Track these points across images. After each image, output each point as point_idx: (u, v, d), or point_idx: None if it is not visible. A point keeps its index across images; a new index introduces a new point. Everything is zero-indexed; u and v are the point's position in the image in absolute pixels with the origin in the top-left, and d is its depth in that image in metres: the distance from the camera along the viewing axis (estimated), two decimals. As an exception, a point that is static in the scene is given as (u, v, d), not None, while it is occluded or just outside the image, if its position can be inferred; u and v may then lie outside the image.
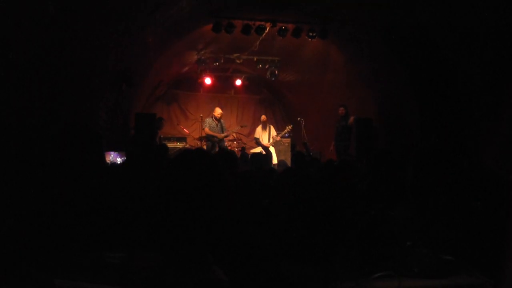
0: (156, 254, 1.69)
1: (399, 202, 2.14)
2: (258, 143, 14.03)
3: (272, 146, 13.96)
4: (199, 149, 2.16)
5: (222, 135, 13.27)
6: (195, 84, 15.97)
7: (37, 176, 3.66)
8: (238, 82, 16.13)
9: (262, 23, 11.48)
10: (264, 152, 13.02)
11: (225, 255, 1.90)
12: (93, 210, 2.50)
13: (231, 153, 5.83)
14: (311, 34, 11.76)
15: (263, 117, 14.37)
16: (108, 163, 6.21)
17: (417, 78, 10.73)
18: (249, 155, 9.41)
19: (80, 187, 2.60)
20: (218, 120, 13.31)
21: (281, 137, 14.27)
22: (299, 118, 14.36)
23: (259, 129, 14.19)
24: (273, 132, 14.18)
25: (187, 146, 14.02)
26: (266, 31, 11.68)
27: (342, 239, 2.27)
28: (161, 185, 2.13)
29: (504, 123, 8.14)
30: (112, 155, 6.50)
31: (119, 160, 6.53)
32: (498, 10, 7.67)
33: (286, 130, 14.15)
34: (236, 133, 15.17)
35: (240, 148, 13.88)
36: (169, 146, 13.56)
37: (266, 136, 14.05)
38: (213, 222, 2.00)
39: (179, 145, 13.95)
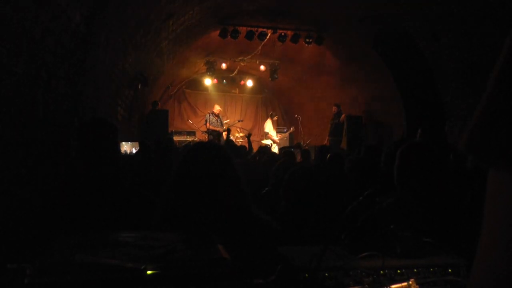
0: (167, 234, 1.71)
1: (385, 190, 2.15)
2: (267, 137, 14.19)
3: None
4: (212, 142, 2.18)
5: (221, 129, 13.41)
6: (203, 83, 15.99)
7: (62, 163, 3.69)
8: (242, 82, 16.16)
9: (264, 29, 11.56)
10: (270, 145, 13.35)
11: (226, 234, 1.91)
12: (108, 194, 2.52)
13: (238, 146, 5.83)
14: (308, 40, 11.82)
15: (276, 117, 14.66)
16: (123, 152, 6.22)
17: (403, 80, 10.75)
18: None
19: (97, 172, 2.61)
20: (218, 116, 13.41)
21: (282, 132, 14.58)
22: (296, 115, 14.46)
23: (270, 125, 14.28)
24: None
25: (196, 139, 14.07)
26: (267, 37, 11.74)
27: (333, 222, 2.29)
28: (177, 173, 2.15)
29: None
30: (125, 146, 6.50)
31: (133, 150, 6.53)
32: (475, 19, 7.66)
33: (291, 130, 14.41)
34: (239, 127, 15.23)
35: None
36: (179, 139, 13.72)
37: (275, 132, 14.31)
38: (221, 206, 2.03)
39: (188, 138, 14.02)
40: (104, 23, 5.93)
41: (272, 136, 14.10)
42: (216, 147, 2.12)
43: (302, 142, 14.05)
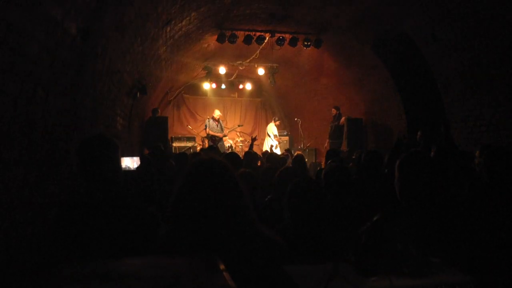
0: (170, 260, 1.68)
1: (393, 212, 2.13)
2: (271, 138, 14.36)
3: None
4: (214, 160, 2.14)
5: (221, 134, 13.41)
6: (202, 88, 15.98)
7: (63, 180, 3.66)
8: (241, 86, 16.15)
9: (262, 33, 11.54)
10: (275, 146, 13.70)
11: (230, 254, 1.88)
12: (111, 212, 2.50)
13: (236, 155, 5.81)
14: (306, 43, 11.79)
15: (278, 121, 14.83)
16: (124, 167, 6.17)
17: (403, 81, 10.75)
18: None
19: (99, 191, 2.59)
20: (218, 121, 13.43)
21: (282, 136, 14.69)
22: (296, 119, 14.47)
23: (274, 128, 14.42)
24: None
25: (196, 144, 14.05)
26: (265, 41, 11.71)
27: (339, 238, 2.27)
28: (179, 193, 2.12)
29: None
30: (126, 161, 6.44)
31: (135, 165, 6.47)
32: (475, 19, 7.66)
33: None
34: (239, 132, 15.24)
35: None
36: (179, 145, 13.71)
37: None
38: (224, 225, 2.00)
39: (188, 144, 14.00)
40: (101, 34, 5.91)
41: (275, 138, 14.25)
42: (219, 166, 2.09)
43: (302, 146, 14.08)
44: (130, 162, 6.51)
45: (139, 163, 5.88)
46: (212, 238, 1.97)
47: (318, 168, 7.73)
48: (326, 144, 13.17)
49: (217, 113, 13.62)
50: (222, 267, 1.55)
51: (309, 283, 1.62)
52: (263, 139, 16.46)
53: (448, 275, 1.72)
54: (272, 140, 14.21)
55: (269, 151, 11.79)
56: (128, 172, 5.23)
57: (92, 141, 2.72)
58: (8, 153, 2.97)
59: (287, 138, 15.17)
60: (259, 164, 7.48)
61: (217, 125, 13.43)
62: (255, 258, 1.98)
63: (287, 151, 11.10)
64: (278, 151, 13.47)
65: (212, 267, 1.58)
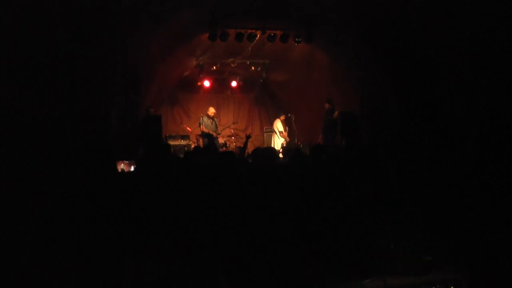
0: (165, 265, 1.71)
1: (385, 212, 2.17)
2: (278, 136, 14.50)
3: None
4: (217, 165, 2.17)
5: (216, 133, 13.40)
6: (195, 86, 15.97)
7: (54, 190, 3.67)
8: (234, 83, 16.17)
9: (253, 31, 11.57)
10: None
11: (232, 256, 1.92)
12: (105, 219, 2.52)
13: (231, 154, 5.82)
14: (297, 39, 11.85)
15: (283, 116, 14.73)
16: (120, 171, 6.14)
17: (396, 74, 10.76)
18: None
19: (93, 198, 2.61)
20: (212, 118, 13.45)
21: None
22: (289, 114, 14.52)
23: (280, 124, 14.57)
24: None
25: (190, 143, 14.05)
26: (257, 38, 11.74)
27: (336, 244, 2.30)
28: (179, 198, 2.15)
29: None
30: (122, 165, 6.43)
31: (131, 168, 6.46)
32: (470, 16, 7.68)
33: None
34: (233, 129, 15.24)
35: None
36: (173, 143, 13.69)
37: (285, 131, 14.64)
38: (226, 232, 2.03)
39: (182, 142, 14.00)
40: (93, 35, 5.91)
41: (285, 135, 14.32)
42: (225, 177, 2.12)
43: (296, 141, 14.13)
44: (125, 166, 6.51)
45: (135, 166, 5.89)
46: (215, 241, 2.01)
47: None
48: (319, 139, 13.20)
49: (211, 111, 13.66)
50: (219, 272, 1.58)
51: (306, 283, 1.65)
52: (258, 135, 16.51)
53: (441, 272, 1.76)
54: (278, 138, 14.29)
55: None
56: (124, 174, 5.24)
57: (85, 149, 2.74)
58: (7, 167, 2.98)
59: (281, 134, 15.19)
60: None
61: (212, 123, 13.46)
62: (258, 261, 2.01)
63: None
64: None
65: (210, 271, 1.61)
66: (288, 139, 14.29)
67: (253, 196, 2.16)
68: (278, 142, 14.24)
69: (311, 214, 2.68)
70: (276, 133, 14.57)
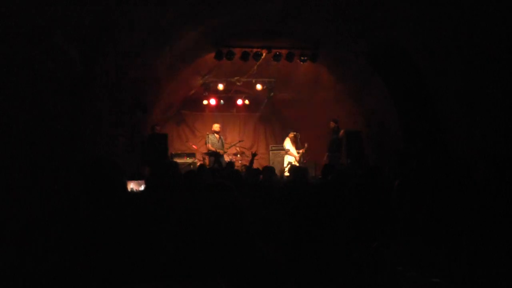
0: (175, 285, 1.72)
1: (391, 233, 2.17)
2: (288, 153, 14.19)
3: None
4: (218, 187, 2.19)
5: (222, 151, 13.35)
6: (201, 105, 16.04)
7: (62, 209, 3.70)
8: (239, 101, 16.25)
9: (259, 50, 11.68)
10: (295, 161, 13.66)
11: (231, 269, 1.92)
12: (116, 240, 2.52)
13: (237, 173, 5.85)
14: (302, 58, 11.97)
15: (291, 134, 14.43)
16: (129, 191, 6.14)
17: (398, 93, 10.82)
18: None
19: (101, 214, 2.62)
20: (219, 135, 13.39)
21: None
22: (295, 132, 14.51)
23: (289, 142, 14.28)
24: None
25: (195, 161, 14.05)
26: (262, 57, 11.85)
27: (340, 265, 2.30)
28: (182, 217, 2.16)
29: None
30: (132, 184, 6.44)
31: (141, 188, 6.45)
32: (469, 31, 7.75)
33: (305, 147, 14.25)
34: (239, 147, 15.24)
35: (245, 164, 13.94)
36: (179, 161, 13.67)
37: (294, 149, 14.24)
38: (230, 251, 2.04)
39: (188, 160, 13.97)
40: (100, 56, 5.99)
41: (292, 152, 14.17)
42: (223, 193, 2.14)
43: (302, 159, 14.12)
44: (135, 185, 6.52)
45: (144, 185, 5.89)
46: (215, 259, 2.02)
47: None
48: (325, 158, 13.19)
49: (215, 126, 13.53)
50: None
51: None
52: (264, 154, 16.47)
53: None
54: (289, 156, 14.23)
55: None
56: (133, 194, 5.26)
57: (93, 164, 2.76)
58: (12, 180, 3.02)
59: (285, 152, 15.17)
60: (261, 178, 7.55)
61: (218, 141, 13.36)
62: (256, 277, 2.02)
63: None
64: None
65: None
66: (297, 157, 14.16)
67: (254, 214, 2.17)
68: (290, 160, 14.10)
69: (313, 235, 2.69)
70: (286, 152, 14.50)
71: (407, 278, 1.74)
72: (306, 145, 14.07)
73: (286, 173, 12.42)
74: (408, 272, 1.75)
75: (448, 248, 2.05)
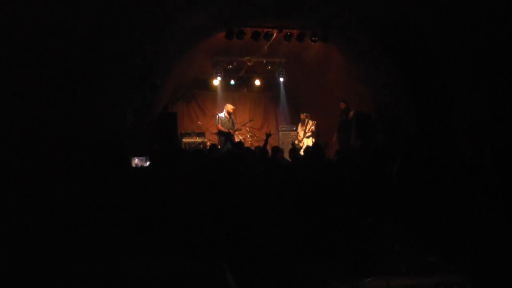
0: (171, 261, 1.73)
1: (389, 212, 2.17)
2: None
3: (306, 138, 14.25)
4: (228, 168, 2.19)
5: (233, 130, 13.28)
6: (211, 84, 15.99)
7: (67, 185, 3.73)
8: (250, 81, 16.18)
9: (270, 29, 11.61)
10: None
11: (234, 254, 1.93)
12: (118, 215, 2.54)
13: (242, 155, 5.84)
14: (313, 38, 11.89)
15: (302, 115, 14.54)
16: (134, 166, 6.17)
17: (411, 74, 10.71)
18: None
19: (107, 194, 2.64)
20: (230, 115, 13.29)
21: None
22: (305, 113, 14.47)
23: (299, 124, 14.49)
24: (310, 126, 14.32)
25: (205, 140, 14.06)
26: (273, 37, 11.78)
27: (339, 243, 2.30)
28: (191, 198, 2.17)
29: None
30: (137, 160, 6.47)
31: (146, 164, 6.47)
32: (482, 14, 7.61)
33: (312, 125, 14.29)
34: (249, 127, 15.20)
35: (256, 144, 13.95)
36: (189, 140, 13.73)
37: (302, 131, 14.35)
38: (233, 231, 2.05)
39: (198, 139, 13.98)
40: (109, 30, 5.96)
41: (299, 133, 14.23)
42: (233, 177, 2.14)
43: (312, 138, 14.12)
44: (140, 161, 6.55)
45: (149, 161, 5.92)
46: (219, 240, 2.02)
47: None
48: (334, 138, 13.17)
49: (229, 107, 13.31)
50: (226, 270, 1.60)
51: (308, 283, 1.66)
52: (274, 134, 16.43)
53: (446, 274, 1.76)
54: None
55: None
56: (138, 169, 5.29)
57: (99, 143, 2.77)
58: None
59: (295, 133, 15.14)
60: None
61: (229, 120, 13.24)
62: (261, 260, 2.02)
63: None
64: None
65: (217, 269, 1.63)
66: (301, 137, 14.17)
67: (253, 194, 2.17)
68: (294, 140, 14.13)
69: (313, 213, 2.69)
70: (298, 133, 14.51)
71: (404, 255, 1.73)
72: (310, 122, 14.08)
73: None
74: (405, 251, 1.74)
75: (447, 229, 2.04)
